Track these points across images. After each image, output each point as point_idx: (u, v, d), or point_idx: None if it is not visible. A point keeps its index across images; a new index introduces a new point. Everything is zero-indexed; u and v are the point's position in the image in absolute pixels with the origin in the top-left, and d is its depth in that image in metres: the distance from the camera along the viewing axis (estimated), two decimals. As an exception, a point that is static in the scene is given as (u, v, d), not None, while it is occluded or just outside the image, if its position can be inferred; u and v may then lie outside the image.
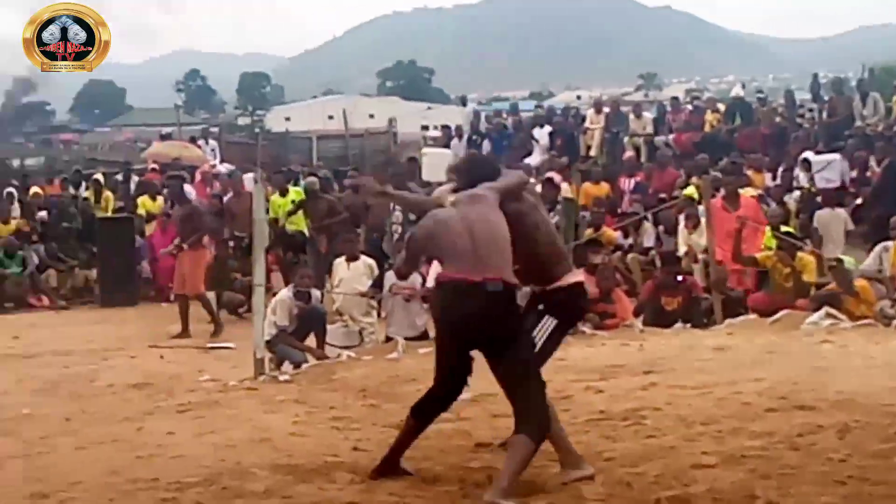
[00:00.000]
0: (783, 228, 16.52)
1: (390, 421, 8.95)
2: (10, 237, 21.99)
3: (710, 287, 15.69)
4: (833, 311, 13.59)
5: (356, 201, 20.11)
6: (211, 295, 18.14)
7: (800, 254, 15.60)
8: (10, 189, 26.05)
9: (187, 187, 21.79)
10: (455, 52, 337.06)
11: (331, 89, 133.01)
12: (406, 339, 13.67)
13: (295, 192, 21.58)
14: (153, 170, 28.30)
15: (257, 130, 53.02)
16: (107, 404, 10.85)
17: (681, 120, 27.58)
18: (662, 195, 21.05)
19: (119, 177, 28.32)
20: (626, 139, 26.79)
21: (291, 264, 19.61)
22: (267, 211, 21.12)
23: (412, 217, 17.29)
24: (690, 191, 19.43)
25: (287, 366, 13.47)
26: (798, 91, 35.13)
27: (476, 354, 7.01)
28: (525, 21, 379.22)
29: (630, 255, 18.35)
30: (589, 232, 17.92)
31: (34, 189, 26.92)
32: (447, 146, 28.99)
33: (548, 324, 7.42)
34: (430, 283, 14.42)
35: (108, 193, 25.59)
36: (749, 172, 21.43)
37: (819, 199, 19.33)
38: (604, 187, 22.13)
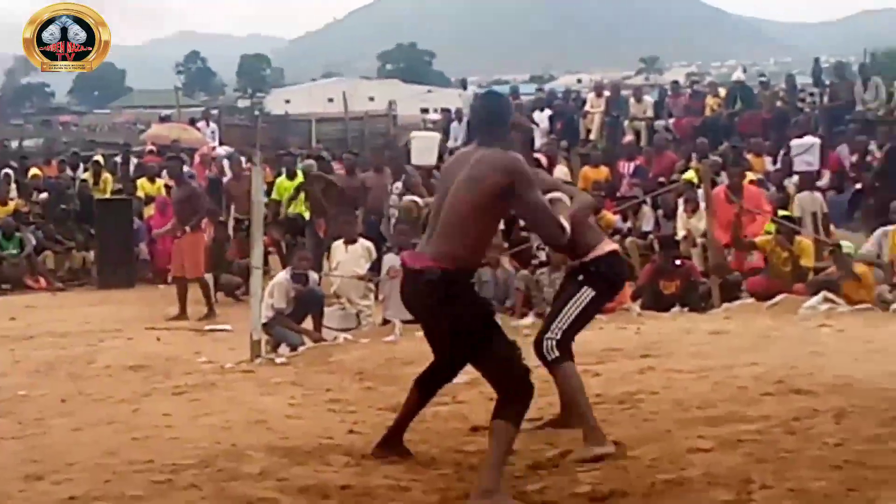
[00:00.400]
0: (781, 213, 16.51)
1: (387, 403, 8.95)
2: (7, 218, 22.00)
3: (709, 271, 15.69)
4: (831, 295, 13.58)
5: (353, 183, 20.10)
6: (208, 277, 18.14)
7: (798, 238, 15.59)
8: (8, 170, 26.07)
9: (188, 168, 21.82)
10: (456, 36, 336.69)
11: (331, 72, 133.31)
12: (403, 321, 13.62)
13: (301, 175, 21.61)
14: (151, 152, 28.29)
15: (257, 113, 53.12)
16: (103, 386, 10.84)
17: (681, 104, 27.55)
18: (661, 179, 21.06)
19: (118, 159, 28.30)
20: (626, 123, 26.78)
21: (290, 247, 19.62)
22: (270, 193, 21.28)
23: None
24: (690, 175, 19.45)
25: (284, 348, 13.48)
26: (799, 75, 35.10)
27: None
28: (526, 4, 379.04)
29: (629, 239, 18.34)
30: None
31: (33, 170, 26.95)
32: (447, 129, 28.98)
33: (585, 294, 7.53)
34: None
35: (106, 175, 25.60)
36: (749, 157, 21.46)
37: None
38: (603, 171, 22.14)
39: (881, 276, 14.44)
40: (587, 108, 28.15)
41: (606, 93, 28.36)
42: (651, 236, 18.64)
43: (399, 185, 18.86)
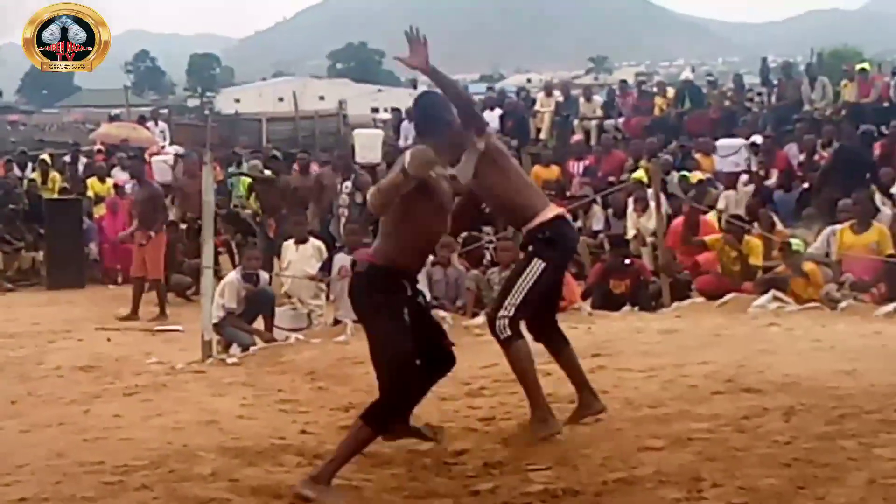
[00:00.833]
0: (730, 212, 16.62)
1: (339, 403, 8.96)
2: (-46, 219, 21.81)
3: (658, 270, 15.75)
4: (780, 294, 13.67)
5: (305, 183, 20.05)
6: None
7: (747, 237, 15.68)
8: (-46, 171, 25.83)
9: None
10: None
11: (281, 71, 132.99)
12: (354, 321, 13.63)
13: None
14: (100, 151, 28.11)
15: (207, 112, 52.82)
16: (53, 387, 10.78)
17: (630, 104, 27.64)
18: (611, 178, 21.14)
19: (67, 158, 28.11)
20: (576, 123, 26.86)
21: (240, 246, 19.57)
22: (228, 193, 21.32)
23: (358, 200, 17.30)
24: (639, 174, 19.51)
25: (235, 348, 13.44)
26: (747, 75, 35.26)
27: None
28: (474, 2, 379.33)
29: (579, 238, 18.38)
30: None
31: (-22, 171, 26.70)
32: (398, 128, 28.96)
33: (536, 267, 7.56)
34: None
35: (55, 174, 25.41)
36: (698, 156, 21.58)
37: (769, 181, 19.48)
38: (554, 170, 22.19)
39: (829, 275, 14.54)
40: (537, 107, 28.22)
41: (556, 92, 28.46)
42: (601, 235, 18.71)
43: (349, 184, 18.84)
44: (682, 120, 25.73)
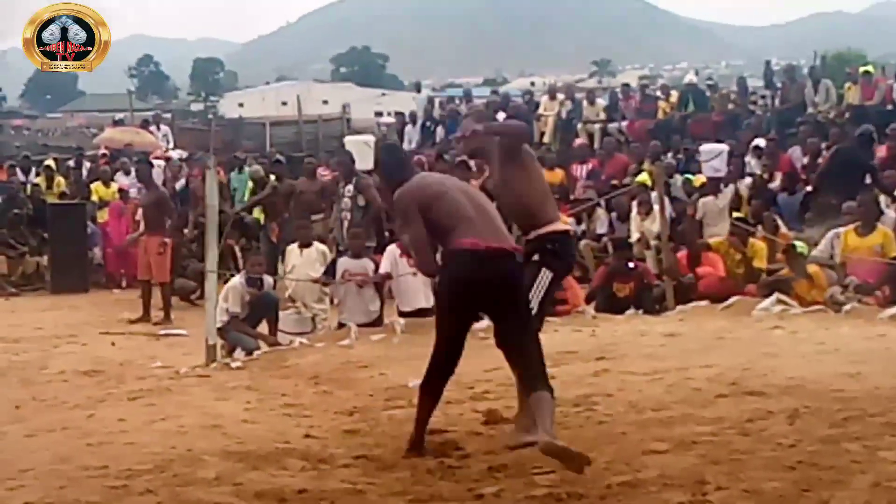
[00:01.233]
0: (734, 214, 16.61)
1: (342, 407, 8.96)
2: (-42, 224, 21.83)
3: (663, 273, 15.74)
4: (784, 297, 13.67)
5: (311, 188, 20.04)
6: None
7: (751, 240, 15.69)
8: (-42, 176, 25.84)
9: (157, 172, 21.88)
10: (409, 39, 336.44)
11: (284, 75, 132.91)
12: (359, 325, 13.64)
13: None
14: (104, 156, 28.10)
15: (210, 116, 52.82)
16: (57, 391, 10.80)
17: (633, 107, 27.64)
18: (614, 182, 21.13)
19: (71, 162, 28.11)
20: (579, 126, 26.87)
21: (244, 251, 19.59)
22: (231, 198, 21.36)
23: (361, 203, 17.28)
24: (643, 177, 19.49)
25: (239, 352, 13.45)
26: (751, 78, 35.25)
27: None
28: (478, 7, 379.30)
29: (583, 242, 18.38)
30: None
31: (-18, 176, 26.70)
32: (401, 133, 28.97)
33: (545, 277, 7.85)
34: (383, 270, 14.43)
35: (59, 179, 25.43)
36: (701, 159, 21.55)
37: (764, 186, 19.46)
38: (557, 174, 22.15)
39: (833, 278, 14.53)
40: (540, 111, 28.25)
41: (560, 96, 28.50)
42: (605, 239, 18.72)
43: (350, 187, 18.82)
44: (685, 123, 25.76)
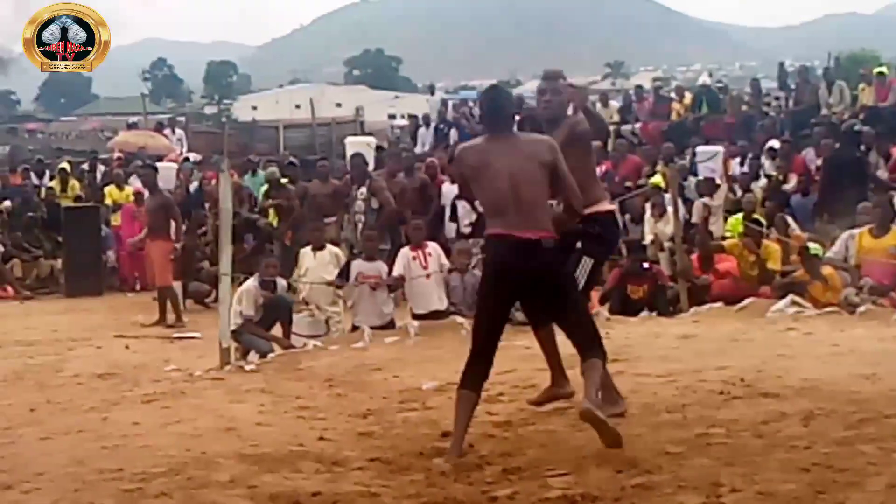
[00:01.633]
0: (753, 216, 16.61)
1: (357, 410, 8.96)
2: (-27, 228, 21.88)
3: (676, 275, 15.73)
4: (798, 298, 13.65)
5: (324, 191, 20.05)
6: (177, 284, 18.12)
7: (765, 241, 15.67)
8: (-27, 180, 25.88)
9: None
10: (422, 41, 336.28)
11: (298, 78, 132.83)
12: (372, 328, 13.65)
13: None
14: (119, 159, 28.16)
15: (224, 119, 52.89)
16: (72, 394, 10.81)
17: (646, 109, 27.61)
18: (628, 183, 21.10)
19: (85, 166, 28.17)
20: (593, 128, 26.80)
21: (257, 254, 19.60)
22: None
23: (374, 206, 17.30)
24: (657, 179, 19.47)
25: (253, 355, 13.45)
26: (764, 79, 35.24)
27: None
28: (491, 9, 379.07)
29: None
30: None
31: (-4, 179, 26.75)
32: (414, 135, 28.98)
33: (585, 265, 8.05)
34: (397, 272, 14.46)
35: (74, 182, 25.47)
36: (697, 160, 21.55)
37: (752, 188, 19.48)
38: (572, 176, 22.09)
39: (848, 279, 14.50)
40: (555, 112, 28.16)
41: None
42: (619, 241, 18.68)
43: (363, 190, 18.82)
44: (699, 125, 25.70)
